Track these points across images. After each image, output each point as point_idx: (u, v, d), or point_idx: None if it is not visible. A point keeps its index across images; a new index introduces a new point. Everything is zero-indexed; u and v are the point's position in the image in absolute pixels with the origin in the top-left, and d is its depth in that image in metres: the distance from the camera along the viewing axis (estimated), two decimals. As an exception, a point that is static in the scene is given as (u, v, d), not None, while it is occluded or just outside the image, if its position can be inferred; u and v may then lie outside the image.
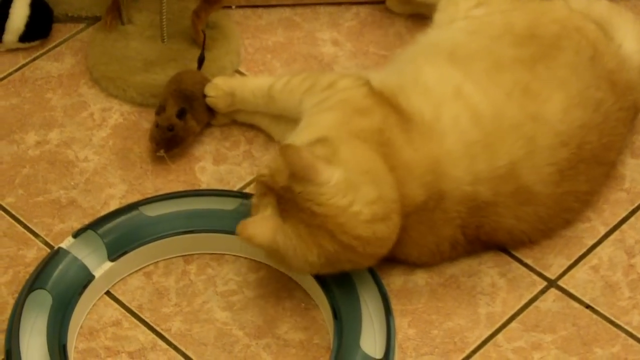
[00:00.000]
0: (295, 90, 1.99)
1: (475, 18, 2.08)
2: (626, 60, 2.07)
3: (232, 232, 1.90)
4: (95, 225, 1.92)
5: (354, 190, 1.74)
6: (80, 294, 1.85)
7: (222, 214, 1.94)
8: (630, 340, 1.85)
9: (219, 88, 2.08)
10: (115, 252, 1.90)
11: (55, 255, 1.88)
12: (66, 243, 1.90)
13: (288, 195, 1.74)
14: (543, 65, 1.96)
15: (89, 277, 1.87)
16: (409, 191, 1.82)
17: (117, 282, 1.92)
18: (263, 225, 1.75)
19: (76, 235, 1.91)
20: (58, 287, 1.85)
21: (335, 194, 1.73)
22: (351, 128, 1.86)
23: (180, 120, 2.05)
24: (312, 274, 1.81)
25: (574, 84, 1.95)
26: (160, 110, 2.06)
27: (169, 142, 2.05)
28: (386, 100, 1.90)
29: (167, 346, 1.84)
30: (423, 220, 1.82)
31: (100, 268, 1.89)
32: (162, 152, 2.05)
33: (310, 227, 1.73)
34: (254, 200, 1.81)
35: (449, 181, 1.84)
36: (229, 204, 1.95)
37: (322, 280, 1.84)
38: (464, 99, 1.90)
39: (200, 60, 2.13)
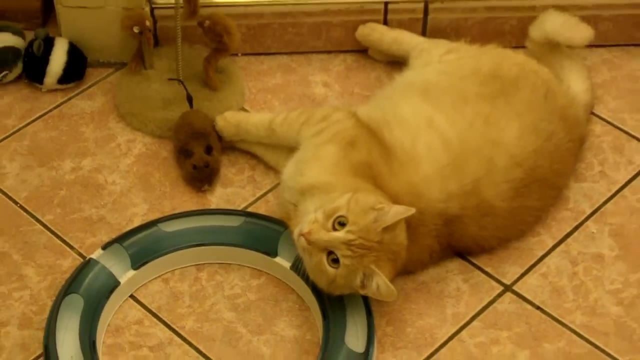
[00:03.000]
0: (293, 123, 1.98)
1: (446, 62, 2.08)
2: (574, 99, 2.07)
3: (237, 245, 1.91)
4: (121, 239, 1.92)
5: (401, 227, 1.77)
6: (108, 297, 1.85)
7: (229, 230, 1.94)
8: (574, 337, 1.85)
9: (227, 120, 2.08)
10: (137, 261, 1.90)
11: (87, 264, 1.88)
12: (96, 254, 1.90)
13: (381, 246, 1.73)
14: (502, 100, 1.96)
15: (115, 283, 1.87)
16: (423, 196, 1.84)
17: (139, 287, 1.91)
18: (386, 280, 1.73)
19: (105, 247, 1.90)
20: (89, 292, 1.84)
21: (401, 231, 1.76)
22: (349, 163, 1.85)
23: (210, 156, 2.04)
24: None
25: (528, 116, 1.95)
26: (189, 154, 2.04)
27: (210, 177, 2.05)
28: (372, 132, 1.89)
29: (181, 341, 1.84)
30: (408, 235, 1.81)
31: (125, 275, 1.88)
32: (206, 187, 2.05)
33: (391, 262, 1.76)
34: (347, 261, 1.72)
35: (425, 201, 1.84)
36: (234, 221, 1.95)
37: (313, 286, 1.83)
38: (434, 128, 1.90)
39: (190, 100, 2.10)
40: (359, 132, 1.89)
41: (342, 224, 1.73)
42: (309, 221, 1.75)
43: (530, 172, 1.92)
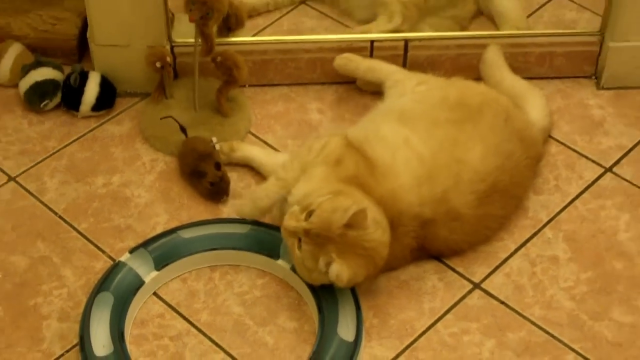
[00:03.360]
0: (299, 166, 1.92)
1: (418, 93, 2.07)
2: (531, 122, 2.06)
3: (244, 249, 1.91)
4: (145, 244, 1.91)
5: (378, 224, 1.76)
6: (134, 294, 1.84)
7: (237, 236, 1.93)
8: (533, 327, 1.84)
9: (229, 148, 2.09)
10: (160, 263, 1.89)
11: (116, 266, 1.87)
12: (124, 257, 1.89)
13: (343, 239, 1.73)
14: (469, 125, 1.95)
15: (141, 282, 1.86)
16: (384, 213, 1.82)
17: (160, 286, 1.90)
18: (345, 269, 1.74)
19: (131, 251, 1.90)
20: (118, 290, 1.84)
21: (375, 230, 1.75)
22: (337, 177, 1.84)
23: (220, 171, 2.02)
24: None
25: (491, 139, 1.94)
26: (202, 174, 2.02)
27: (226, 189, 2.03)
28: (356, 148, 1.89)
29: (197, 332, 1.83)
30: (392, 235, 1.81)
31: (149, 276, 1.87)
32: (225, 198, 2.03)
33: (360, 256, 1.75)
34: (306, 246, 1.75)
35: (404, 204, 1.84)
36: (242, 229, 1.94)
37: (310, 285, 1.83)
38: (410, 146, 1.89)
39: (183, 130, 2.08)
40: (345, 151, 1.88)
41: (311, 215, 1.75)
42: (289, 212, 1.79)
43: (493, 185, 1.91)
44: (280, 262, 1.90)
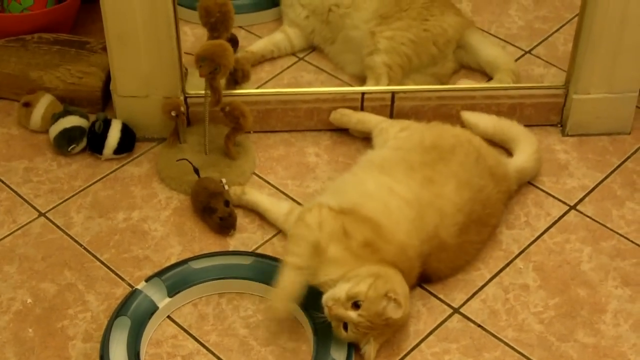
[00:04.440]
0: (305, 253, 1.82)
1: (400, 138, 2.07)
2: (504, 161, 2.06)
3: (248, 279, 1.90)
4: (160, 274, 1.91)
5: (407, 298, 1.78)
6: (149, 319, 1.84)
7: (242, 267, 1.93)
8: (507, 348, 1.84)
9: (241, 191, 2.08)
10: (172, 291, 1.89)
11: (133, 293, 1.87)
12: (141, 285, 1.89)
13: (384, 326, 1.74)
14: (441, 164, 1.95)
15: (155, 308, 1.86)
16: (400, 265, 1.81)
17: (174, 311, 1.90)
18: (376, 347, 1.76)
19: (147, 280, 1.90)
20: (135, 315, 1.84)
21: (406, 307, 1.77)
22: (353, 253, 1.78)
23: (229, 208, 2.03)
24: None
25: (463, 175, 1.95)
26: (213, 210, 2.02)
27: (233, 224, 2.03)
28: (351, 214, 1.83)
29: (206, 352, 1.83)
30: (409, 273, 1.84)
31: (163, 302, 1.87)
32: (232, 232, 2.03)
33: (391, 331, 1.78)
34: (353, 335, 1.74)
35: (411, 250, 1.84)
36: (246, 260, 1.94)
37: (305, 310, 1.83)
38: (396, 194, 1.88)
39: (196, 171, 2.09)
40: (341, 220, 1.81)
41: (358, 306, 1.71)
42: (334, 297, 1.73)
43: (469, 215, 1.92)
44: None
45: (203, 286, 1.92)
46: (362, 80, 2.36)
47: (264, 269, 1.92)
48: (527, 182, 2.15)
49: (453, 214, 1.90)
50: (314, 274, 1.78)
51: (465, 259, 1.96)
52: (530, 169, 2.14)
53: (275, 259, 1.93)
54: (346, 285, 1.73)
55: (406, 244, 1.83)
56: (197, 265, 1.93)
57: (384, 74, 2.29)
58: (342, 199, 1.87)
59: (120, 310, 1.84)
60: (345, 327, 1.74)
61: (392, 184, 1.90)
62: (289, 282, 1.77)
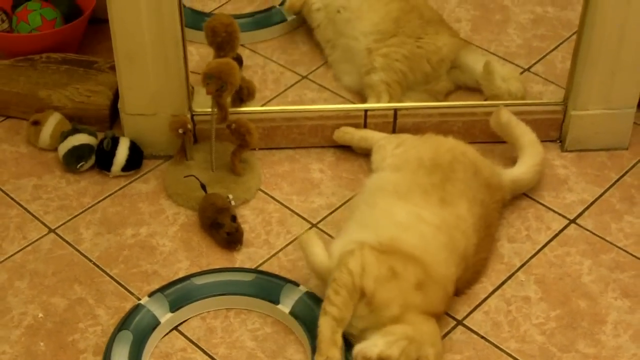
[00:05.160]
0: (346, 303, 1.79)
1: (396, 155, 2.08)
2: (497, 171, 2.08)
3: (249, 295, 1.93)
4: (162, 289, 1.94)
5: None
6: (151, 333, 1.86)
7: (243, 283, 1.95)
8: (510, 359, 1.86)
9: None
10: (174, 306, 1.91)
11: (136, 308, 1.90)
12: (144, 300, 1.91)
13: None
14: (449, 184, 1.97)
15: (157, 322, 1.88)
16: (442, 305, 1.85)
17: (182, 324, 1.91)
18: None
19: (150, 295, 1.92)
20: (137, 329, 1.86)
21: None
22: (407, 299, 1.76)
23: (236, 223, 2.06)
24: None
25: (469, 192, 1.97)
26: (220, 226, 2.04)
27: (240, 239, 2.06)
28: (393, 252, 1.81)
29: (215, 364, 1.86)
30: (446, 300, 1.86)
31: (164, 317, 1.90)
32: (239, 247, 2.05)
33: None
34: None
35: (451, 277, 1.86)
36: (247, 277, 1.96)
37: (305, 326, 1.85)
38: (424, 221, 1.89)
39: (204, 187, 2.11)
40: (387, 262, 1.78)
41: None
42: (365, 356, 1.70)
43: (480, 232, 1.95)
44: (279, 306, 1.91)
45: (204, 302, 1.93)
46: (359, 93, 2.40)
47: (265, 286, 1.94)
48: (525, 194, 2.18)
49: (472, 233, 1.93)
50: (363, 323, 1.77)
51: (480, 275, 1.99)
52: (527, 181, 2.16)
53: (276, 276, 1.96)
54: (380, 341, 1.71)
55: (447, 278, 1.85)
56: (199, 281, 1.95)
57: (384, 91, 2.33)
58: (377, 234, 1.84)
59: (123, 324, 1.86)
60: None
61: (417, 210, 1.89)
62: (330, 331, 1.74)
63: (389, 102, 2.32)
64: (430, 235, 1.87)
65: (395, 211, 1.91)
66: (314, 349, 1.80)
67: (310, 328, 1.84)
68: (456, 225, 1.91)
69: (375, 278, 1.76)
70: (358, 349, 1.73)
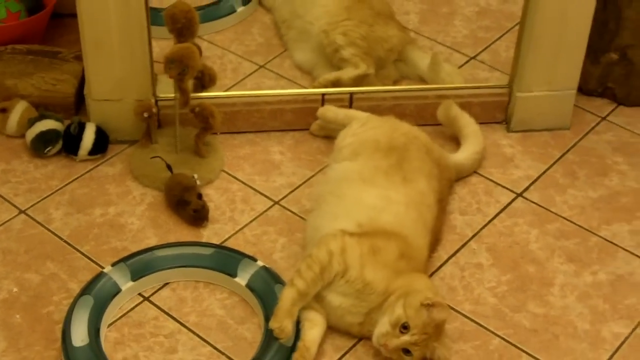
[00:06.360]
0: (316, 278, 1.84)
1: (356, 135, 2.13)
2: (445, 154, 2.18)
3: (207, 267, 1.98)
4: (125, 259, 1.99)
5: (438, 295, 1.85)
6: (111, 300, 1.92)
7: (203, 256, 2.00)
8: (465, 319, 1.95)
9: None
10: (135, 275, 1.96)
11: (99, 275, 1.95)
12: (107, 269, 1.96)
13: (437, 328, 1.77)
14: (405, 163, 2.05)
15: (118, 290, 1.94)
16: (425, 267, 1.94)
17: (153, 294, 1.97)
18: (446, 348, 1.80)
19: (113, 264, 1.97)
20: (98, 295, 1.91)
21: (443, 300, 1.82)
22: (390, 268, 1.81)
23: (202, 200, 2.11)
24: None
25: (425, 167, 2.06)
26: (187, 203, 2.09)
27: (206, 215, 2.11)
28: (373, 233, 1.87)
29: (187, 331, 1.91)
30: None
31: (125, 285, 1.95)
32: (205, 223, 2.11)
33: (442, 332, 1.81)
34: (418, 352, 1.77)
35: (426, 249, 1.96)
36: (207, 251, 2.01)
37: (261, 300, 1.91)
38: (395, 200, 1.96)
39: (169, 168, 2.16)
40: (368, 241, 1.84)
41: (406, 327, 1.75)
42: (381, 334, 1.77)
43: (438, 204, 2.05)
44: (237, 279, 1.97)
45: (164, 273, 1.98)
46: (310, 73, 2.46)
47: (224, 260, 2.00)
48: (475, 172, 2.28)
49: (434, 205, 2.02)
50: (363, 306, 1.81)
51: (438, 244, 2.08)
52: (467, 167, 2.27)
53: (235, 251, 2.01)
54: (385, 318, 1.77)
55: (424, 247, 1.94)
56: (161, 253, 2.00)
57: (360, 61, 2.40)
58: (354, 219, 1.89)
59: (85, 290, 1.91)
60: (407, 351, 1.76)
61: (384, 192, 1.95)
62: (290, 303, 1.78)
63: (366, 70, 2.39)
64: (403, 213, 1.94)
65: (364, 196, 1.95)
66: (267, 319, 1.85)
67: (265, 300, 1.90)
68: (421, 200, 2.00)
69: (359, 256, 1.81)
70: (374, 338, 1.79)
